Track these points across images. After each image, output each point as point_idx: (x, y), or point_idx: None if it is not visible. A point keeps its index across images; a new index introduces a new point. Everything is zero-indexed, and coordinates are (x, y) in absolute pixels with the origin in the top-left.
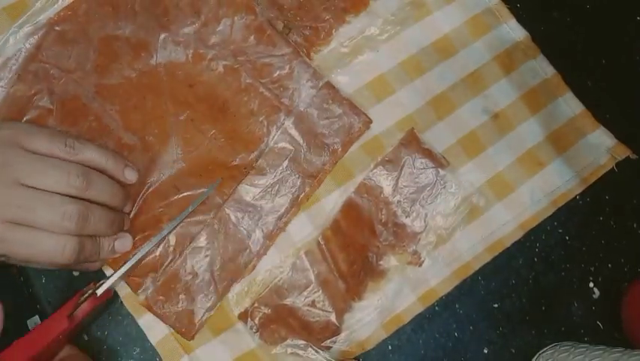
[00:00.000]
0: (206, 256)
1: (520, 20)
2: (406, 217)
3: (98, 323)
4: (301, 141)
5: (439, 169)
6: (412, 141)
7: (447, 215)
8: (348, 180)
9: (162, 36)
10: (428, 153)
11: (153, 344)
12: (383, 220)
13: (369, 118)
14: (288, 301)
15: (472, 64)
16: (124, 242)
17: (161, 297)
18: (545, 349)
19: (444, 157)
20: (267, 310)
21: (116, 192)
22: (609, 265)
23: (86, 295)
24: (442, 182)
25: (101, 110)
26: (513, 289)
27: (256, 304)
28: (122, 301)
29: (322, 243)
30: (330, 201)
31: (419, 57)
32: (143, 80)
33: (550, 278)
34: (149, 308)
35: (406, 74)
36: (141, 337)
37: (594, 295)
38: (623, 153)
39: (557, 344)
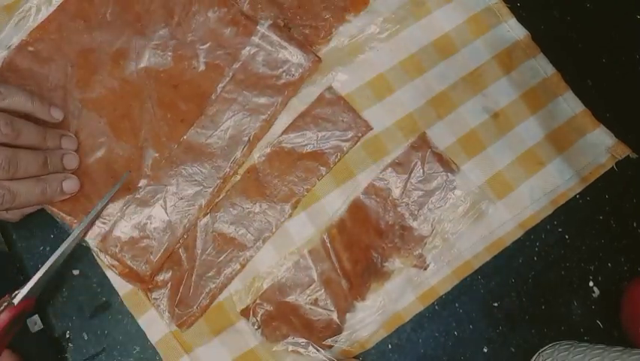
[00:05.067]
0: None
1: (520, 19)
2: (414, 220)
3: (98, 322)
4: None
5: (449, 174)
6: (422, 145)
7: (454, 220)
8: (348, 179)
9: (139, 42)
10: (439, 158)
11: (153, 343)
12: (390, 222)
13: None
14: (291, 298)
15: (472, 63)
16: (71, 183)
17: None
18: (545, 348)
19: (454, 162)
20: (269, 308)
21: (43, 134)
22: (609, 265)
23: (2, 306)
24: (451, 187)
25: (90, 124)
26: (513, 288)
27: (258, 301)
28: (121, 301)
29: (327, 241)
30: (330, 200)
31: (419, 56)
32: (127, 88)
33: (549, 277)
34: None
35: (406, 73)
36: (141, 336)
37: (594, 294)
38: (623, 152)
39: (557, 343)
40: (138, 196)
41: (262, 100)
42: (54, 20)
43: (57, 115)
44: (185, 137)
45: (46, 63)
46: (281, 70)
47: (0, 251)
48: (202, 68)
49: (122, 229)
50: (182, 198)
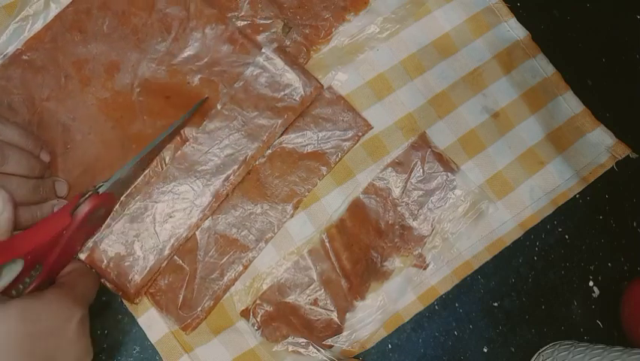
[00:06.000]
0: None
1: (520, 19)
2: (413, 220)
3: (98, 322)
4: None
5: (449, 173)
6: (422, 144)
7: (454, 220)
8: (347, 178)
9: (134, 55)
10: (439, 157)
11: (153, 343)
12: (390, 222)
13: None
14: (290, 299)
15: (472, 63)
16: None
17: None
18: (545, 348)
19: (454, 162)
20: (269, 308)
21: (33, 165)
22: (609, 264)
23: (87, 194)
24: (451, 186)
25: (79, 135)
26: (513, 288)
27: (258, 302)
28: (121, 300)
29: (326, 241)
30: (330, 199)
31: (419, 56)
32: (119, 100)
33: (550, 277)
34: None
35: (405, 73)
36: (141, 336)
37: (594, 294)
38: (623, 151)
39: (557, 343)
40: (128, 212)
41: (261, 121)
42: (50, 30)
43: (46, 158)
44: (179, 152)
45: (39, 72)
46: (283, 93)
47: None
48: (196, 83)
49: (110, 244)
50: (172, 217)
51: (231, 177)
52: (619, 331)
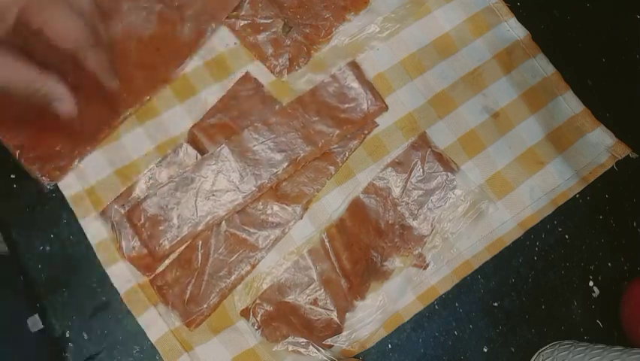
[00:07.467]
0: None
1: (520, 19)
2: (413, 220)
3: (98, 322)
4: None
5: (449, 173)
6: (422, 144)
7: (454, 220)
8: (348, 178)
9: (126, 4)
10: (439, 157)
11: (153, 342)
12: (390, 221)
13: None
14: (290, 298)
15: (472, 62)
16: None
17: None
18: (545, 348)
19: (454, 161)
20: (268, 308)
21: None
22: (609, 264)
23: None
24: (451, 186)
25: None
26: (513, 288)
27: (258, 301)
28: (121, 300)
29: (326, 240)
30: (330, 199)
31: (419, 55)
32: (111, 48)
33: (550, 277)
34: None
35: (405, 73)
36: (141, 335)
37: (594, 294)
38: (623, 151)
39: (557, 343)
40: (175, 179)
41: (320, 127)
42: None
43: None
44: (235, 135)
45: None
46: (347, 105)
47: (0, 252)
48: (185, 33)
49: (151, 205)
50: (214, 195)
51: (279, 172)
52: (619, 331)
